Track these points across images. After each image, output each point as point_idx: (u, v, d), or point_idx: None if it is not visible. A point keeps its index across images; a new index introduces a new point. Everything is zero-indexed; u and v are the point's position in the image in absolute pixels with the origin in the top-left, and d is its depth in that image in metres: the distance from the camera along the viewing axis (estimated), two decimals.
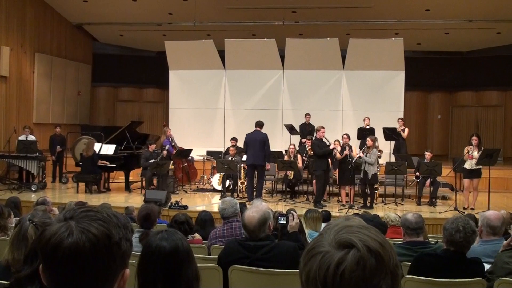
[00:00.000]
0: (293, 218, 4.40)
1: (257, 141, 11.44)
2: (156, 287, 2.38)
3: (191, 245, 4.68)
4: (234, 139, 13.38)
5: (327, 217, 7.60)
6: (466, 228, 3.75)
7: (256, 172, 11.63)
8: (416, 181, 12.19)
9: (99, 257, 1.21)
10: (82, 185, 12.93)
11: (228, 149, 13.46)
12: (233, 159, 12.43)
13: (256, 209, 3.91)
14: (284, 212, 5.86)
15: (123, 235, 1.28)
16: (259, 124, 11.71)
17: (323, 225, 6.84)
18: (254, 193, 11.58)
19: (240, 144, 12.66)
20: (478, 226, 4.82)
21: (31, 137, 13.72)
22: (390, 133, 13.14)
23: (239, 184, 12.82)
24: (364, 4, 15.18)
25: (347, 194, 11.49)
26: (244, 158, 12.31)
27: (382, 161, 12.64)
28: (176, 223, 5.07)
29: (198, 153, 14.66)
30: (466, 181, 11.12)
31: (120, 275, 1.28)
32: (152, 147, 13.29)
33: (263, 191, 12.74)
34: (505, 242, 4.11)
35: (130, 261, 1.34)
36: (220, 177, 13.08)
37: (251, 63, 15.88)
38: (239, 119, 15.93)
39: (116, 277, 1.27)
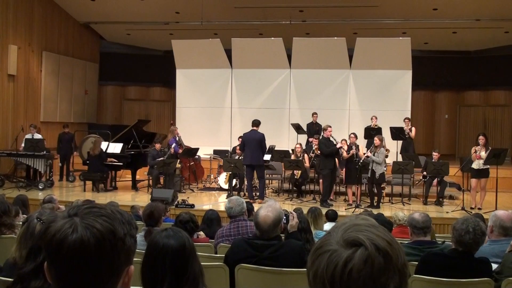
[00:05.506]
0: (293, 218, 4.41)
1: (254, 141, 11.42)
2: (164, 284, 2.41)
3: (197, 243, 4.68)
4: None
5: (333, 216, 7.58)
6: (476, 229, 3.72)
7: (255, 172, 11.63)
8: (423, 181, 12.15)
9: (104, 253, 1.21)
10: (89, 183, 12.97)
11: (234, 148, 13.43)
12: (240, 158, 12.42)
13: (271, 208, 3.88)
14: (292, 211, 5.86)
15: (128, 231, 1.28)
16: (256, 123, 11.65)
17: (325, 224, 6.84)
18: (258, 192, 11.60)
19: None
20: (486, 226, 4.80)
21: (37, 136, 13.77)
22: (397, 133, 13.09)
23: (245, 183, 12.80)
24: (371, 3, 15.14)
25: (353, 194, 11.49)
26: None
27: (389, 160, 12.60)
28: (182, 223, 5.07)
29: (204, 152, 14.65)
30: (473, 181, 11.07)
31: (124, 271, 1.28)
32: (159, 146, 13.31)
33: (270, 190, 12.71)
34: None
35: (134, 259, 1.33)
36: (226, 176, 13.08)
37: (258, 62, 15.86)
38: (245, 118, 15.87)
39: (120, 274, 1.27)
